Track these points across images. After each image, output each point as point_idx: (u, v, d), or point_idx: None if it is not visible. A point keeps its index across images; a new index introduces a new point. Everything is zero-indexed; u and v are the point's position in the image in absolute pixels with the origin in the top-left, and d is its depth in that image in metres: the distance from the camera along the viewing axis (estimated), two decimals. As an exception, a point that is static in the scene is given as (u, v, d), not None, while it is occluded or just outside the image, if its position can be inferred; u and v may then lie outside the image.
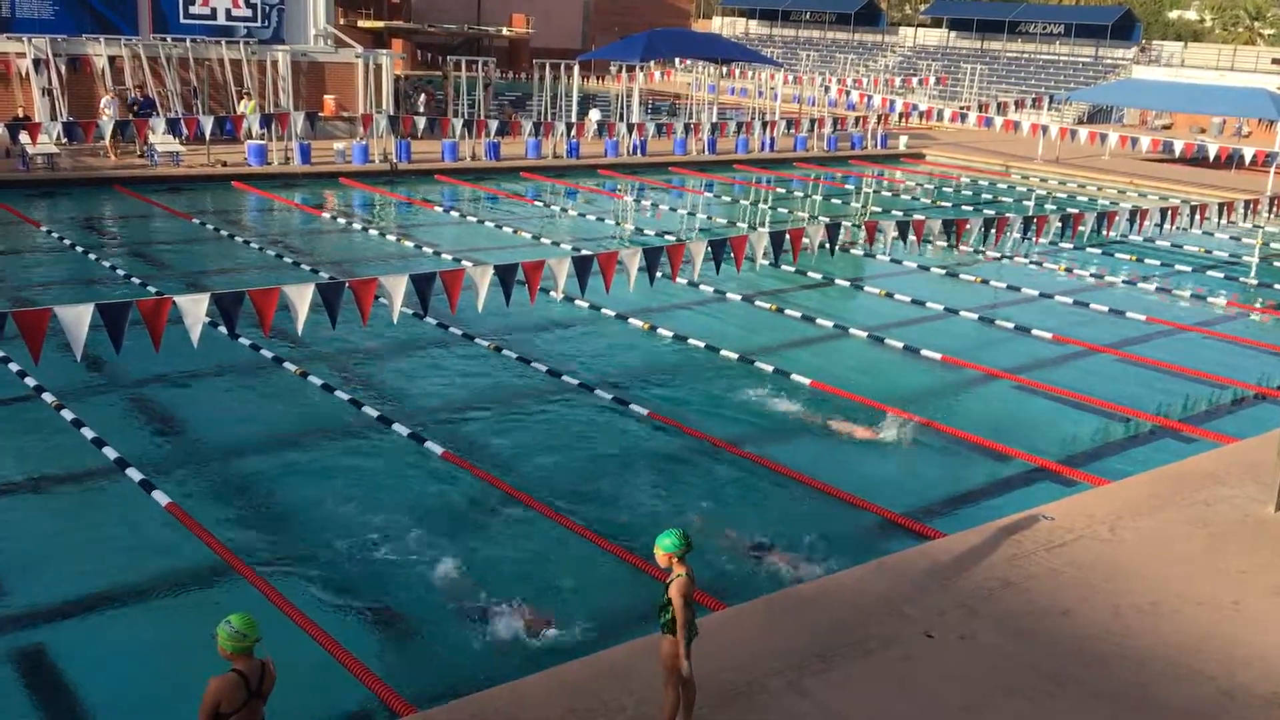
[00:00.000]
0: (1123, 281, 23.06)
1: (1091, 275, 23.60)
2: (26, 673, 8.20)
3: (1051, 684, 7.73)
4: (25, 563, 9.69)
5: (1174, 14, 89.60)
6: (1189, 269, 24.54)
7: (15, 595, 9.23)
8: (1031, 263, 24.64)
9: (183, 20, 34.10)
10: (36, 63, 31.13)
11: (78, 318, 10.04)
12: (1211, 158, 35.67)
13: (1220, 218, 21.94)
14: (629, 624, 8.95)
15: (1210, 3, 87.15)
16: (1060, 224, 18.80)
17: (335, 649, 8.25)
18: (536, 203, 29.59)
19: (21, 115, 28.85)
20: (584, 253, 14.41)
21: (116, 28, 32.98)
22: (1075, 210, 20.03)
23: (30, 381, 13.38)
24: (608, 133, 36.26)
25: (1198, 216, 21.85)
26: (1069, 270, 23.82)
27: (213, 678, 5.57)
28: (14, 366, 13.54)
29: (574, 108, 39.42)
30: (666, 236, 24.80)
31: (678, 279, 19.54)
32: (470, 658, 8.56)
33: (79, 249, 21.11)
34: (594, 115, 39.42)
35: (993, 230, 17.94)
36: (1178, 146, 37.64)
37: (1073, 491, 11.72)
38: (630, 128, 36.57)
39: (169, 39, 33.51)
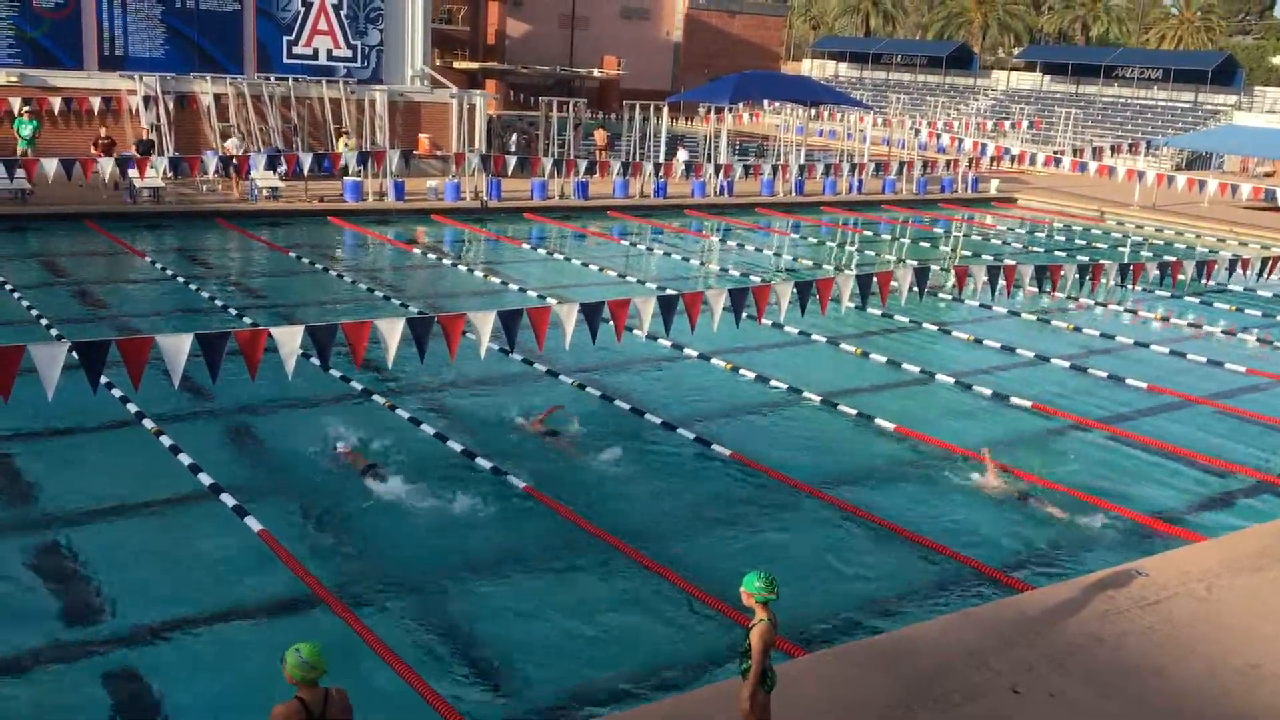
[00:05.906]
0: (1221, 332, 22.42)
1: (1189, 325, 22.98)
2: (117, 692, 8.39)
3: (1144, 746, 7.48)
4: (122, 585, 9.95)
5: (1277, 59, 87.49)
6: (1292, 320, 23.78)
7: (112, 617, 9.48)
8: (1126, 310, 24.10)
9: (286, 60, 35.16)
10: (146, 99, 32.36)
11: (177, 346, 10.33)
12: (1317, 206, 34.61)
13: (1326, 268, 21.23)
14: (708, 667, 8.89)
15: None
16: (1158, 271, 18.37)
17: (414, 680, 8.31)
18: (623, 241, 29.81)
19: (134, 148, 29.96)
20: (669, 292, 14.44)
21: (223, 66, 34.14)
22: (1173, 258, 19.55)
23: (131, 407, 13.80)
24: (695, 173, 36.41)
25: (1302, 266, 21.16)
26: (1165, 319, 23.24)
27: (277, 705, 5.65)
28: (116, 392, 13.97)
29: (662, 148, 39.73)
30: (752, 277, 24.78)
31: (763, 320, 19.47)
32: (550, 693, 8.57)
33: (180, 279, 21.78)
34: (682, 155, 39.63)
35: (1087, 277, 17.57)
36: (1281, 194, 36.60)
37: (1167, 547, 11.39)
38: (718, 168, 36.67)
39: (272, 78, 34.58)
